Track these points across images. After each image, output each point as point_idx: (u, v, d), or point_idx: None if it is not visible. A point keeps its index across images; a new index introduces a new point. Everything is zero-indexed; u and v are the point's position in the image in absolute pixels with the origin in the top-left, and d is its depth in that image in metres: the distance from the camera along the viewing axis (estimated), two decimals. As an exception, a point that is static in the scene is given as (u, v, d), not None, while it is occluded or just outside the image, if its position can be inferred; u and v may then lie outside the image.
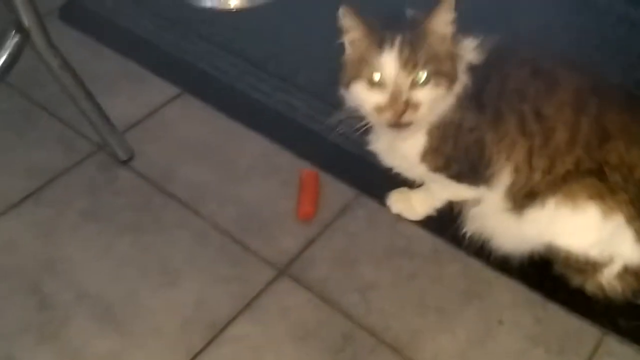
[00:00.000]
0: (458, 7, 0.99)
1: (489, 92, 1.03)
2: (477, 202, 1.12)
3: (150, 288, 1.16)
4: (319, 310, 1.13)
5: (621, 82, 1.09)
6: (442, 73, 0.98)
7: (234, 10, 1.70)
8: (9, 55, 1.07)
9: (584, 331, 1.09)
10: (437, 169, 1.08)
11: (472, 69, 1.03)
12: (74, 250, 1.21)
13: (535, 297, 1.13)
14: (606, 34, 1.59)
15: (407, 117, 0.98)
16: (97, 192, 1.30)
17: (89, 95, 1.25)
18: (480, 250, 1.16)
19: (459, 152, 1.05)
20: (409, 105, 0.97)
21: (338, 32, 1.04)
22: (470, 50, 1.04)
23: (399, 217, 1.25)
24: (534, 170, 1.02)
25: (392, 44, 0.97)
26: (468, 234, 1.16)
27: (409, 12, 1.03)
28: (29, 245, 1.22)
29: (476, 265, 1.18)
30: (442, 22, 0.99)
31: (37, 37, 1.10)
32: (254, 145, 1.39)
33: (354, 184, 1.30)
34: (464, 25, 1.05)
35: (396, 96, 0.97)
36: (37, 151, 1.38)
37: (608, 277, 1.09)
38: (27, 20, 1.09)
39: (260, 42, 1.60)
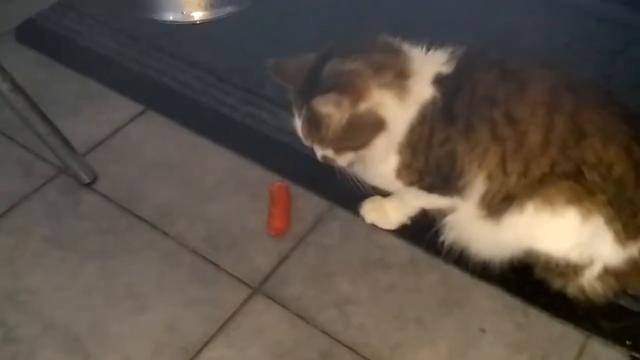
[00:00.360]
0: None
1: (459, 103, 1.00)
2: (451, 210, 1.10)
3: (118, 314, 1.11)
4: (296, 328, 1.09)
5: (591, 77, 1.07)
6: (346, 148, 1.01)
7: (197, 22, 1.67)
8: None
9: (568, 335, 1.07)
10: (411, 183, 1.07)
11: (441, 80, 1.01)
12: (38, 279, 1.16)
13: (516, 303, 1.11)
14: (575, 30, 1.59)
15: (329, 161, 1.05)
16: (60, 218, 1.25)
17: (45, 118, 1.20)
18: (458, 258, 1.13)
19: (431, 166, 1.03)
20: (325, 157, 1.04)
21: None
22: (438, 63, 1.02)
23: (373, 227, 1.22)
24: (509, 175, 1.00)
25: (298, 115, 1.02)
26: (445, 243, 1.14)
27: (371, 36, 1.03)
28: (-9, 277, 1.16)
29: (454, 273, 1.15)
30: (328, 112, 0.98)
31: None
32: (221, 160, 1.36)
33: (326, 196, 1.27)
34: (434, 34, 1.04)
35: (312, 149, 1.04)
36: (-5, 177, 1.33)
37: (589, 279, 1.07)
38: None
39: (225, 55, 1.57)
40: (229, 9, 1.68)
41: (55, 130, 1.23)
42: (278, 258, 1.19)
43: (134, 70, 1.55)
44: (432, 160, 1.03)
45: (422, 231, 1.17)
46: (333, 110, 0.97)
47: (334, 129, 0.99)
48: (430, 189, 1.08)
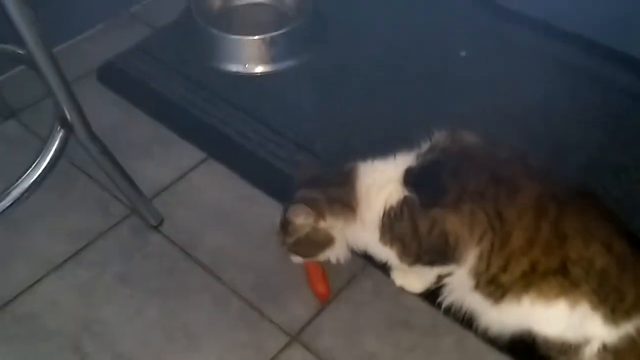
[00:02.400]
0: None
1: (446, 185, 1.13)
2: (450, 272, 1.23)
3: (175, 351, 1.29)
4: (326, 377, 1.25)
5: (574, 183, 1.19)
6: (297, 253, 1.28)
7: (258, 74, 1.82)
8: (56, 149, 1.21)
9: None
10: (413, 263, 1.22)
11: (413, 177, 1.17)
12: (110, 312, 1.35)
13: (525, 372, 1.24)
14: (607, 107, 1.68)
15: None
16: (130, 256, 1.44)
17: (123, 173, 1.38)
18: (472, 323, 1.26)
19: (426, 248, 1.17)
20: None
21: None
22: (406, 164, 1.19)
23: (402, 289, 1.37)
24: (491, 266, 1.13)
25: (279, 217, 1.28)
26: (444, 303, 1.27)
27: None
28: (69, 306, 1.36)
29: (470, 338, 1.29)
30: (296, 222, 1.23)
31: (79, 130, 1.24)
32: (271, 212, 1.48)
33: (362, 254, 1.42)
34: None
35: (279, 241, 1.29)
36: (77, 213, 1.52)
37: (590, 356, 1.18)
38: (70, 115, 1.23)
39: (281, 108, 1.71)
40: (288, 63, 1.83)
41: (131, 182, 1.40)
42: (315, 310, 1.34)
43: (199, 118, 1.71)
44: (425, 245, 1.16)
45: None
46: (301, 221, 1.21)
47: (295, 238, 1.24)
48: (431, 263, 1.22)
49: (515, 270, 1.12)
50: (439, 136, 1.21)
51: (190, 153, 1.65)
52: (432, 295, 1.34)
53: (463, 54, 1.84)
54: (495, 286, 1.14)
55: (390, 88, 1.76)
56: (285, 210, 1.24)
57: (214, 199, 1.55)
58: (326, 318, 1.34)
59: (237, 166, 1.61)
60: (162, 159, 1.63)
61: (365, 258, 1.41)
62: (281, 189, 1.51)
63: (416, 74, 1.79)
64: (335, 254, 1.29)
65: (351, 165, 1.25)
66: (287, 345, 1.30)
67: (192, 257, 1.44)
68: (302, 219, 1.22)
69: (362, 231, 1.23)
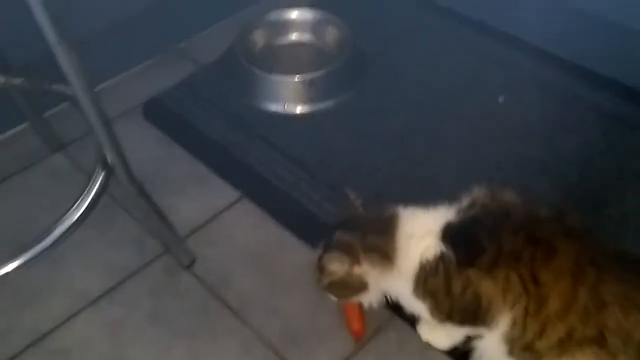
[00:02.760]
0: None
1: (483, 244, 1.11)
2: (479, 335, 1.21)
3: (199, 396, 1.32)
4: None
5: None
6: (333, 294, 1.27)
7: (297, 114, 1.84)
8: (97, 189, 1.25)
9: None
10: (443, 320, 1.20)
11: (452, 235, 1.15)
12: (137, 353, 1.38)
13: None
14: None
15: None
16: (161, 296, 1.47)
17: (159, 214, 1.41)
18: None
19: (458, 308, 1.15)
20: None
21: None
22: (447, 219, 1.16)
23: (428, 344, 1.35)
24: (527, 331, 1.10)
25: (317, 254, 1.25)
26: None
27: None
28: (101, 344, 1.40)
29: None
30: (331, 269, 1.23)
31: (119, 171, 1.28)
32: (301, 256, 1.52)
33: (389, 306, 1.42)
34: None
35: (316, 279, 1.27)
36: (115, 249, 1.56)
37: None
38: (110, 157, 1.27)
39: (316, 149, 1.72)
40: (326, 104, 1.84)
41: (167, 223, 1.44)
42: (340, 360, 1.35)
43: (236, 156, 1.73)
44: (457, 304, 1.15)
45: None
46: (335, 268, 1.20)
47: (329, 280, 1.23)
48: (462, 323, 1.20)
49: (552, 336, 1.09)
50: (479, 192, 1.19)
51: (225, 192, 1.67)
52: (458, 352, 1.33)
53: (501, 99, 1.82)
54: (530, 353, 1.12)
55: (426, 132, 1.75)
56: (323, 251, 1.23)
57: (246, 240, 1.57)
58: (350, 369, 1.34)
59: (270, 207, 1.63)
60: (197, 197, 1.66)
61: (393, 309, 1.41)
62: (310, 232, 1.54)
63: (454, 118, 1.78)
64: (369, 299, 1.28)
65: (392, 211, 1.23)
66: (309, 396, 1.31)
67: (221, 299, 1.46)
68: (336, 266, 1.21)
69: (396, 280, 1.22)
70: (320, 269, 1.25)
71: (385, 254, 1.20)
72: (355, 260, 1.20)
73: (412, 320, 1.37)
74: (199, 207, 1.64)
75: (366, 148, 1.73)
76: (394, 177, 1.65)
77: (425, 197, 1.25)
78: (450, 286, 1.15)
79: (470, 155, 1.68)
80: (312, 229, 1.56)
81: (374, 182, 1.64)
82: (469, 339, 1.27)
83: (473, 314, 1.15)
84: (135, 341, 1.40)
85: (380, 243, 1.21)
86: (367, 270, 1.21)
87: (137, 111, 1.89)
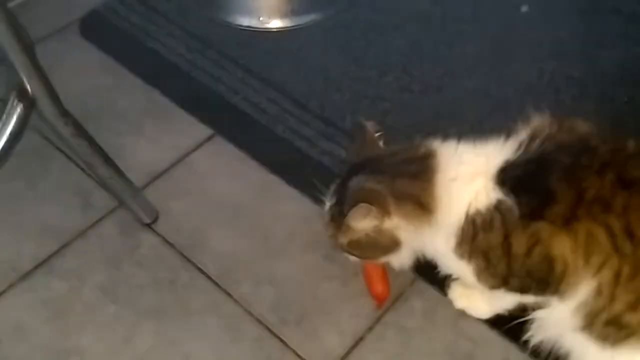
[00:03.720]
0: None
1: (557, 190, 0.86)
2: (544, 304, 0.96)
3: (173, 393, 1.02)
4: None
5: None
6: (355, 254, 1.01)
7: (275, 30, 1.51)
8: (12, 130, 0.91)
9: None
10: (495, 287, 0.95)
11: (512, 178, 0.89)
12: (89, 339, 1.07)
13: None
14: None
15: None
16: (116, 263, 1.16)
17: (108, 161, 1.09)
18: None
19: (518, 272, 0.91)
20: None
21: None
22: (506, 156, 0.91)
23: (462, 313, 1.08)
24: (615, 300, 0.85)
25: (326, 204, 1.00)
26: (532, 341, 1.00)
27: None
28: (38, 332, 1.08)
29: (554, 382, 1.01)
30: (358, 227, 0.96)
31: (44, 105, 0.93)
32: (294, 206, 1.23)
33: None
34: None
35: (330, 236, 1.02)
36: (50, 206, 1.23)
37: None
38: (31, 85, 0.92)
39: (303, 73, 1.43)
40: (311, 17, 1.52)
41: (119, 173, 1.12)
42: (352, 339, 1.07)
43: (203, 84, 1.42)
44: (518, 268, 0.90)
45: (521, 325, 1.02)
46: (364, 225, 0.95)
47: (350, 239, 0.98)
48: (521, 290, 0.95)
49: None
50: (541, 121, 0.93)
51: (191, 128, 1.36)
52: (502, 321, 1.05)
53: (524, 8, 1.54)
54: (616, 327, 0.87)
55: (438, 51, 1.46)
56: (336, 202, 0.99)
57: (221, 188, 1.27)
58: (366, 350, 1.06)
59: (250, 146, 1.33)
60: (156, 135, 1.35)
61: (416, 271, 1.12)
62: (302, 176, 1.25)
63: (469, 33, 1.50)
64: (399, 259, 1.02)
65: (426, 147, 0.96)
66: (317, 388, 1.02)
67: (195, 265, 1.16)
68: (363, 222, 0.95)
69: (433, 235, 0.96)
70: (337, 225, 0.97)
71: (421, 203, 0.94)
72: (384, 212, 0.93)
73: (442, 284, 1.09)
74: (159, 148, 1.33)
75: (365, 72, 1.44)
76: (401, 108, 1.37)
77: (444, 133, 0.99)
78: (510, 245, 0.89)
79: (493, 75, 1.41)
80: (304, 172, 1.26)
81: (380, 113, 1.35)
82: (521, 307, 1.00)
83: (540, 280, 0.90)
84: (87, 324, 1.09)
85: (414, 189, 0.94)
86: (399, 224, 0.96)
87: (73, 28, 1.54)
